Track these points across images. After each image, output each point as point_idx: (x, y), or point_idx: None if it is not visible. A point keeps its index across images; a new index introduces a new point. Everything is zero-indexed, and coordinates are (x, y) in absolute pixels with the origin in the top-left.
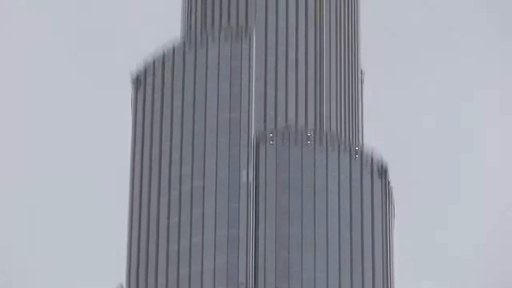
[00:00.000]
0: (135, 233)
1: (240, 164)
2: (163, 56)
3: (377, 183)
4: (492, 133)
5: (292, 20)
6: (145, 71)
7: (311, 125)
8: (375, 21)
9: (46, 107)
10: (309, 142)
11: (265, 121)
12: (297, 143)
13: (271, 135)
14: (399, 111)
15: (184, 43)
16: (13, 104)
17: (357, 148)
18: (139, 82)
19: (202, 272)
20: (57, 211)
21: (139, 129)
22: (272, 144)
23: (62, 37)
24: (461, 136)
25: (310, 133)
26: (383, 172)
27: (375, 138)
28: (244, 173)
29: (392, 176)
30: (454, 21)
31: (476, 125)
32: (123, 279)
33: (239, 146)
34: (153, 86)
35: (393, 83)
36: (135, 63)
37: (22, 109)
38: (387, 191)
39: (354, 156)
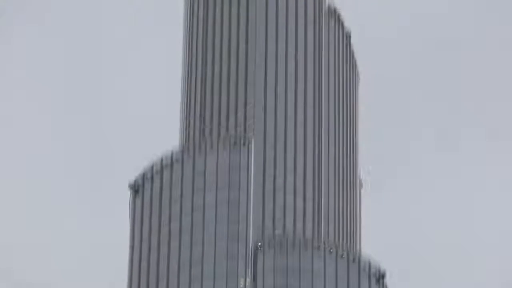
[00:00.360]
0: None
1: (238, 272)
2: (161, 162)
3: None
4: (492, 227)
5: (290, 128)
6: (143, 177)
7: (309, 231)
8: (374, 128)
9: (45, 211)
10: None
11: (263, 229)
12: (295, 249)
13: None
14: (397, 217)
15: (183, 150)
16: (13, 210)
17: (354, 254)
18: (137, 188)
19: None
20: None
21: (137, 234)
22: (269, 249)
23: (62, 142)
24: (460, 244)
25: (307, 240)
26: (380, 277)
27: (373, 243)
28: (241, 281)
29: (390, 282)
30: (449, 128)
31: (476, 231)
32: None
33: (237, 254)
34: (151, 192)
35: (391, 190)
36: (133, 169)
37: (22, 216)
38: None
39: (352, 261)
